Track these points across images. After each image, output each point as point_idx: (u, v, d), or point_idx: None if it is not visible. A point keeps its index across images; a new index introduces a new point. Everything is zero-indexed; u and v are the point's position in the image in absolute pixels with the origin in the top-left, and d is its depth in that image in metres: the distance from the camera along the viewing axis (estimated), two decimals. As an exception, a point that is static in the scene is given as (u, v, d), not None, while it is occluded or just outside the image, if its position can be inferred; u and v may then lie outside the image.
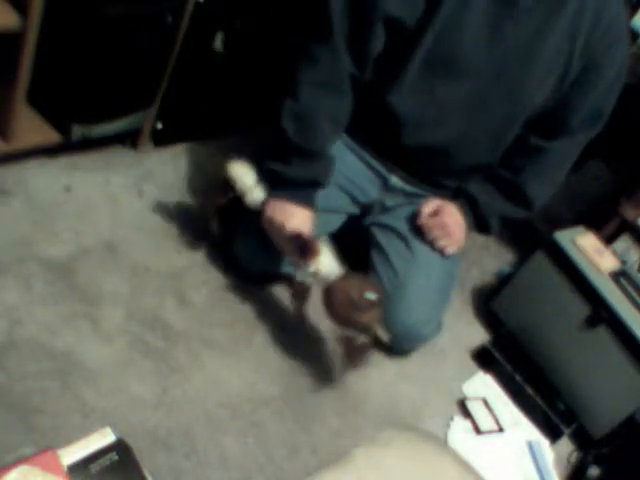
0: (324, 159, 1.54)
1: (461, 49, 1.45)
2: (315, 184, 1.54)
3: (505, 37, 1.44)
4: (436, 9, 1.40)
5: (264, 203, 1.52)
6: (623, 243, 2.14)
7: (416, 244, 1.71)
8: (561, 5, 1.43)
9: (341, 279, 1.47)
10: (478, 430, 1.72)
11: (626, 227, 2.14)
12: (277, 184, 1.52)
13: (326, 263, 1.47)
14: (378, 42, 1.46)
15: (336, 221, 1.76)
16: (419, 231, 1.71)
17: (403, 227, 1.72)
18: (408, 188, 1.72)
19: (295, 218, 1.49)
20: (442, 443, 1.63)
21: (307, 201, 1.52)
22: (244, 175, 1.52)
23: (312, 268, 1.46)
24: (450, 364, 1.87)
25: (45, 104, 1.63)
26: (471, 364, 1.91)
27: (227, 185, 1.54)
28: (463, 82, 1.49)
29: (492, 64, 1.47)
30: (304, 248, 1.46)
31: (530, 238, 2.26)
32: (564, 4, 1.43)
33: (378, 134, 1.63)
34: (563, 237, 1.87)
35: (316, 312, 1.77)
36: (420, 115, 1.55)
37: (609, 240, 2.11)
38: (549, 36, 1.45)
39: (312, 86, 1.47)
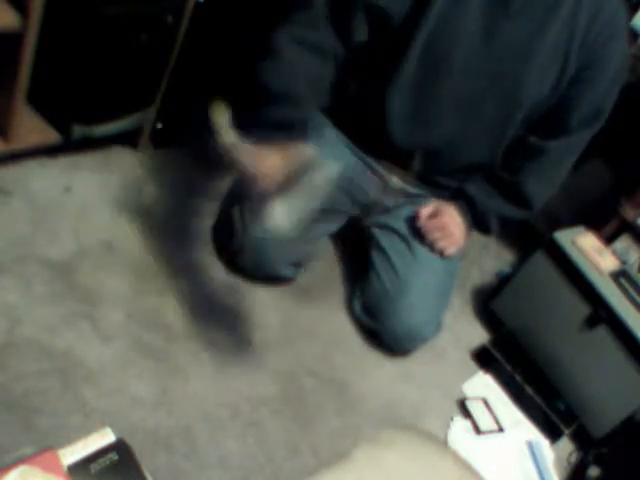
0: (302, 108, 1.44)
1: (456, 47, 1.44)
2: (290, 129, 1.42)
3: (500, 35, 1.44)
4: (429, 5, 1.39)
5: (234, 145, 1.36)
6: (623, 243, 2.14)
7: (416, 245, 1.71)
8: (557, 3, 1.43)
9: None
10: (478, 430, 1.72)
11: (626, 227, 2.14)
12: (249, 126, 1.37)
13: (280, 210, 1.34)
14: (361, 29, 1.43)
15: (337, 221, 1.76)
16: (419, 232, 1.71)
17: (403, 228, 1.73)
18: (408, 189, 1.72)
19: (265, 162, 1.34)
20: (442, 443, 1.64)
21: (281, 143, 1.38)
22: (221, 115, 1.38)
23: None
24: (450, 364, 1.87)
25: (45, 104, 1.63)
26: (471, 364, 1.91)
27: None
28: (458, 80, 1.49)
29: (487, 62, 1.47)
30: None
31: (530, 238, 2.26)
32: (560, 2, 1.43)
33: (377, 134, 1.63)
34: (563, 237, 1.87)
35: (315, 311, 1.77)
36: (417, 114, 1.54)
37: (609, 240, 2.11)
38: (545, 34, 1.44)
39: (293, 43, 1.41)
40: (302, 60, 1.42)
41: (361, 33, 1.44)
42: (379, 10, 1.41)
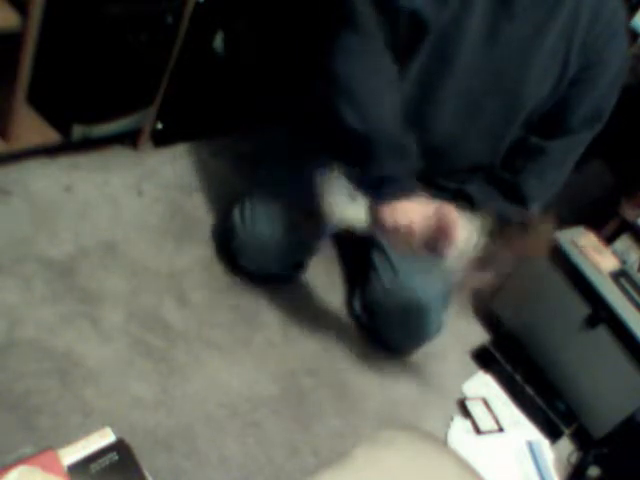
0: (407, 143, 1.45)
1: (460, 48, 1.44)
2: (410, 174, 1.46)
3: (503, 37, 1.44)
4: (442, 6, 1.40)
5: (374, 214, 1.40)
6: (623, 243, 2.14)
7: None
8: (558, 4, 1.43)
9: (495, 241, 1.40)
10: (478, 430, 1.72)
11: (626, 227, 2.14)
12: (376, 188, 1.40)
13: (466, 237, 1.38)
14: (403, 39, 1.43)
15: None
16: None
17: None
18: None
19: (418, 213, 1.39)
20: (442, 443, 1.63)
21: (414, 190, 1.43)
22: (337, 192, 1.37)
23: (456, 252, 1.37)
24: (450, 364, 1.87)
25: (45, 104, 1.63)
26: (471, 364, 1.91)
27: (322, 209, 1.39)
28: (461, 81, 1.49)
29: (489, 63, 1.47)
30: (439, 237, 1.37)
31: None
32: (561, 2, 1.43)
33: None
34: (563, 237, 1.87)
35: (315, 311, 1.77)
36: (419, 113, 1.54)
37: (609, 240, 2.11)
38: (546, 35, 1.45)
39: (371, 82, 1.40)
40: (388, 97, 1.42)
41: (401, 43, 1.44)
42: (420, 15, 1.39)
